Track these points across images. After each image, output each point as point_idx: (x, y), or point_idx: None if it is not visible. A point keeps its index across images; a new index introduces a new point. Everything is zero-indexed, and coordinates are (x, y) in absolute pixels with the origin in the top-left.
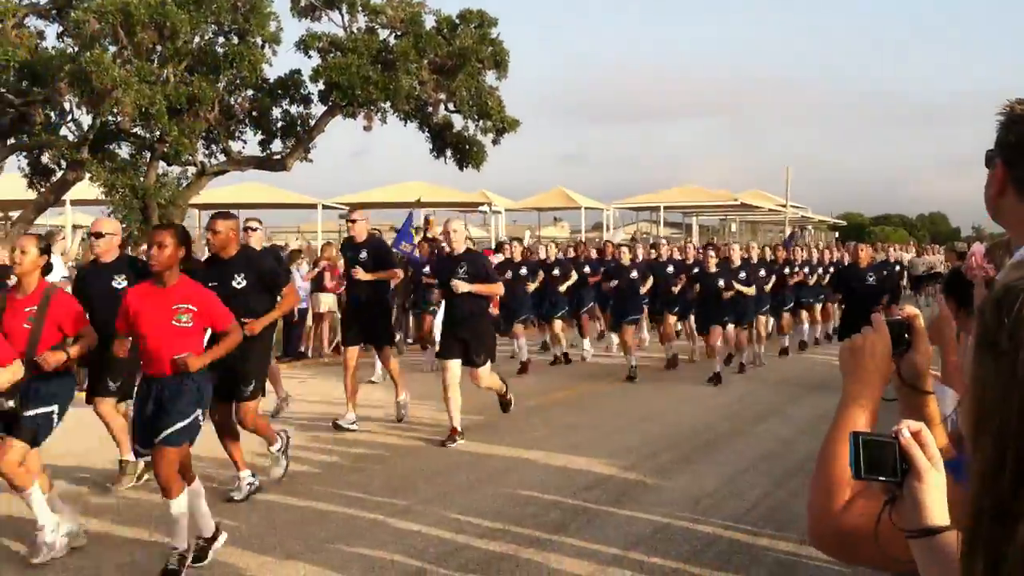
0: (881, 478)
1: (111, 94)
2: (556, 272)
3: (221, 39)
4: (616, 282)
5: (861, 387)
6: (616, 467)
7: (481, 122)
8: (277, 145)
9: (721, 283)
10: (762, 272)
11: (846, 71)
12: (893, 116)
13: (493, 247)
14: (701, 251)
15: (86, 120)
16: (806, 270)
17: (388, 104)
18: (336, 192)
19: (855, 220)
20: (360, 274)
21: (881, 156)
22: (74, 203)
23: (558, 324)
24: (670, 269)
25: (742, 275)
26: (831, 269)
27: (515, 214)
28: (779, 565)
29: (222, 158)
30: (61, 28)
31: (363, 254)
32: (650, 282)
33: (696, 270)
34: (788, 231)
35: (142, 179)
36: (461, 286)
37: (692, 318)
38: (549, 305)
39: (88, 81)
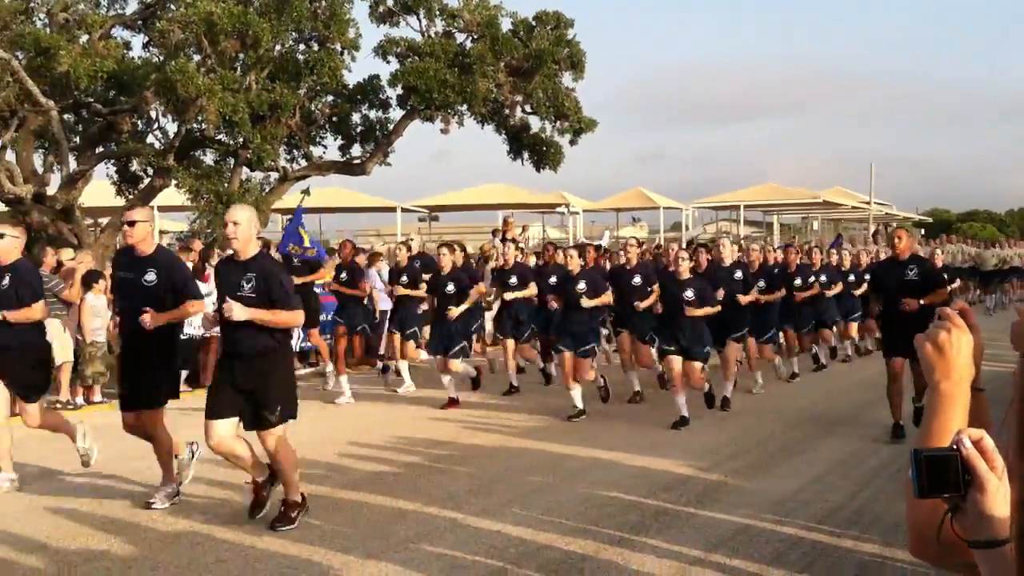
0: (945, 495)
1: (196, 102)
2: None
3: (302, 46)
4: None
5: (951, 386)
6: (695, 468)
7: (558, 123)
8: (357, 149)
9: (688, 294)
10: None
11: (929, 63)
12: (980, 108)
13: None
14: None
15: (172, 128)
16: (823, 278)
17: (465, 107)
18: (416, 195)
19: (941, 216)
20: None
21: (968, 150)
22: (161, 209)
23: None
24: (636, 280)
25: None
26: (866, 276)
27: (593, 215)
28: (863, 568)
29: (303, 163)
30: (147, 38)
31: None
32: (606, 297)
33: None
34: (872, 228)
35: (226, 185)
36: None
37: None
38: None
39: (173, 90)
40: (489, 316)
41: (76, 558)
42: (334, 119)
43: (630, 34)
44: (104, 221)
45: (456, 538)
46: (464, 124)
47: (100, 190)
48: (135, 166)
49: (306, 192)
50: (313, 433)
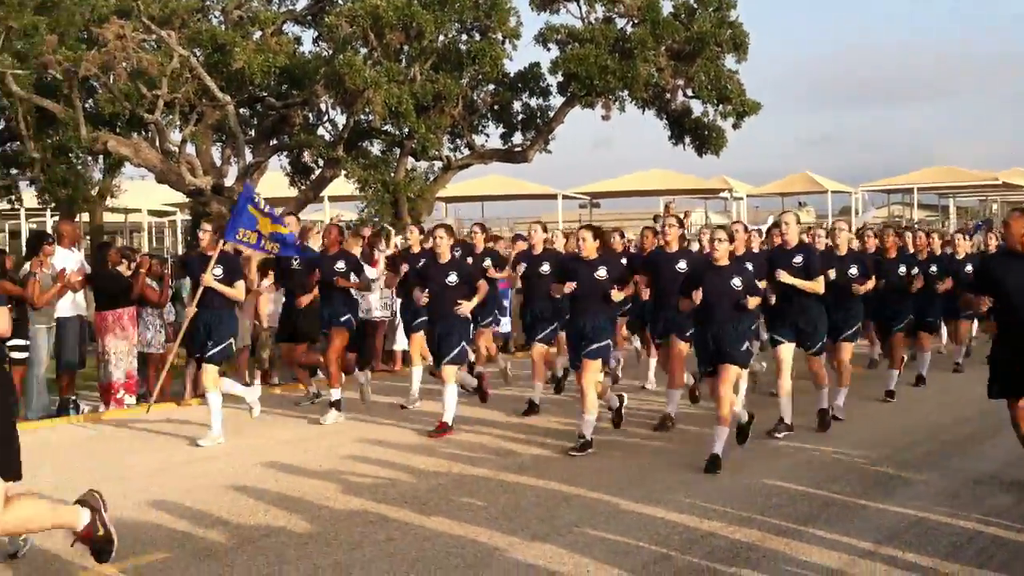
0: None
1: (363, 94)
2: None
3: (464, 37)
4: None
5: None
6: (865, 459)
7: (721, 107)
8: (518, 137)
9: (736, 282)
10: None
11: None
12: None
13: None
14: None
15: (340, 120)
16: (932, 268)
17: (626, 92)
18: (577, 182)
19: None
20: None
21: None
22: (331, 199)
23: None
24: (681, 265)
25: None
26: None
27: (757, 200)
28: None
29: (466, 152)
30: (316, 33)
31: (451, 276)
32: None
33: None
34: None
35: (392, 174)
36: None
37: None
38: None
39: (342, 83)
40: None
41: (255, 533)
42: (496, 107)
43: (796, 13)
44: (277, 211)
45: (619, 524)
46: (625, 110)
47: (274, 181)
48: (306, 157)
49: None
50: (485, 414)
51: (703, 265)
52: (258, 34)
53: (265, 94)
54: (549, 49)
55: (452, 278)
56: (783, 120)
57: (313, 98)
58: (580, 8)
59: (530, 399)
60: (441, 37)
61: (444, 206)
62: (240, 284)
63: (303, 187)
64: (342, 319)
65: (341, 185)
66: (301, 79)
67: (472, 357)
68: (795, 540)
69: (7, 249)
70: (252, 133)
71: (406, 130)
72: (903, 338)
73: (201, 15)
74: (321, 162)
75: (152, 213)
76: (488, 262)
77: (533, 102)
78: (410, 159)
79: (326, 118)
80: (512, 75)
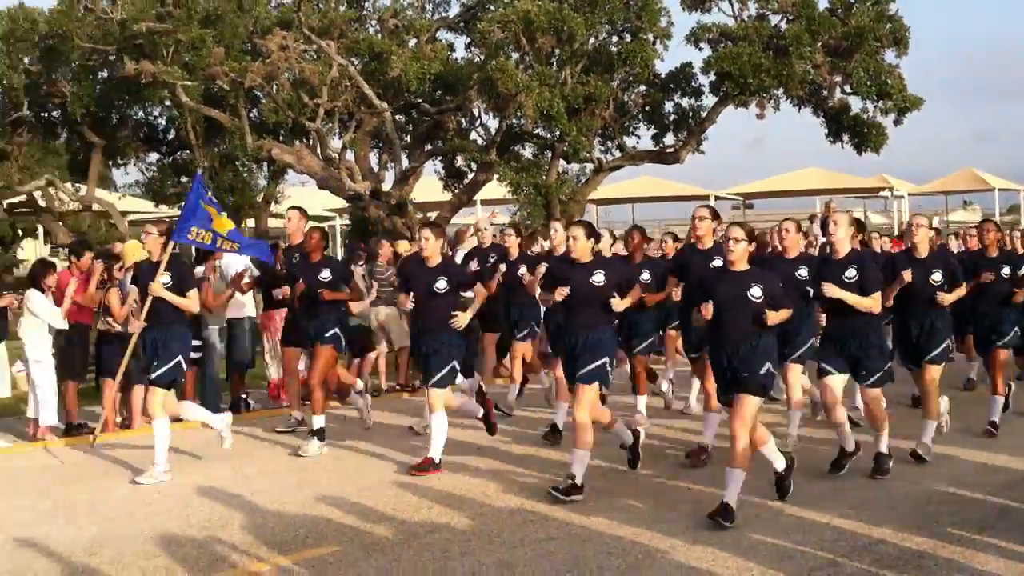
0: None
1: (515, 98)
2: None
3: (615, 38)
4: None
5: None
6: None
7: (880, 103)
8: (670, 138)
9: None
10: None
11: None
12: None
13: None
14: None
15: (493, 124)
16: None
17: (781, 91)
18: (730, 182)
19: None
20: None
21: None
22: (483, 202)
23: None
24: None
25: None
26: None
27: (919, 198)
28: None
29: (617, 154)
30: (469, 39)
31: (440, 282)
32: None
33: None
34: None
35: (544, 177)
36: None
37: None
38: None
39: (494, 87)
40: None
41: (419, 529)
42: (647, 109)
43: (960, 4)
44: (433, 215)
45: (782, 527)
46: (780, 108)
47: (429, 185)
48: (460, 161)
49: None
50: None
51: (715, 271)
52: (413, 42)
53: (420, 100)
54: (701, 48)
55: (441, 284)
56: (947, 115)
57: (466, 103)
58: (732, 6)
59: (553, 423)
60: (592, 39)
61: (595, 208)
62: (193, 294)
63: (456, 191)
64: (327, 335)
65: (494, 188)
66: (454, 85)
67: (479, 378)
68: (970, 548)
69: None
70: (408, 139)
71: (557, 133)
72: (1007, 357)
73: (358, 25)
74: (474, 166)
75: (312, 218)
76: (523, 269)
77: (685, 102)
78: (561, 162)
79: (479, 123)
80: (663, 76)
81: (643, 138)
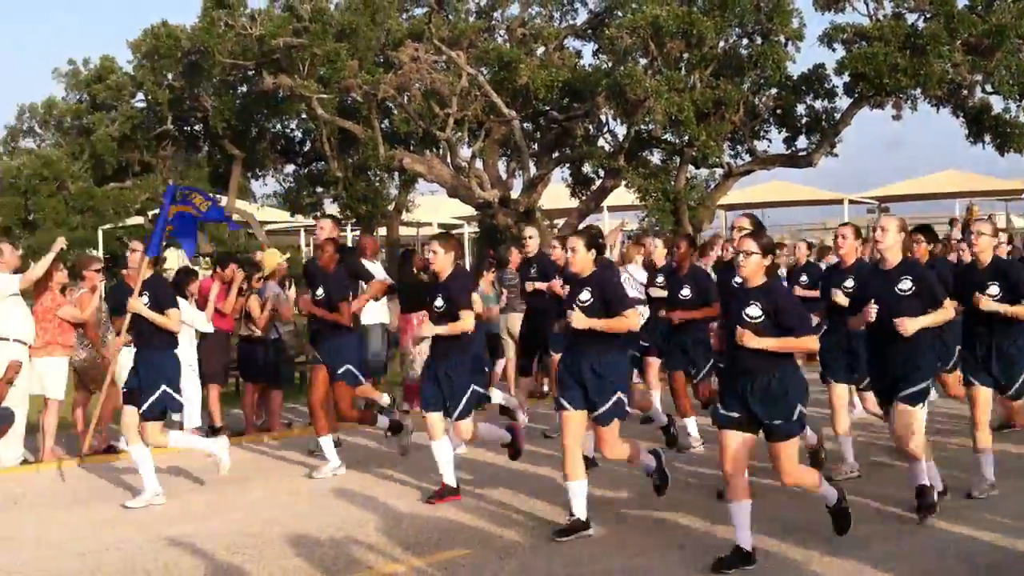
0: None
1: (643, 104)
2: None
3: (745, 41)
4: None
5: None
6: None
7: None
8: (802, 141)
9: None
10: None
11: None
12: None
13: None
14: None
15: (621, 130)
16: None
17: (918, 91)
18: (865, 186)
19: None
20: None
21: None
22: (611, 209)
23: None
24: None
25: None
26: None
27: None
28: None
29: (748, 158)
30: (596, 46)
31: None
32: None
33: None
34: None
35: (673, 183)
36: None
37: None
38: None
39: (622, 93)
40: None
41: (550, 534)
42: (778, 112)
43: None
44: (560, 222)
45: (921, 542)
46: (917, 109)
47: (556, 192)
48: (587, 168)
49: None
50: None
51: (734, 289)
52: (541, 50)
53: (548, 108)
54: (834, 49)
55: (439, 303)
56: None
57: (594, 110)
58: (867, 5)
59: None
60: (721, 43)
61: (724, 214)
62: (173, 312)
63: (584, 197)
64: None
65: (622, 195)
66: (582, 92)
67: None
68: None
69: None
70: (535, 146)
71: (686, 138)
72: None
73: (487, 34)
74: (602, 173)
75: (442, 226)
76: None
77: (818, 104)
78: (690, 167)
79: (606, 129)
80: (795, 78)
81: (774, 142)
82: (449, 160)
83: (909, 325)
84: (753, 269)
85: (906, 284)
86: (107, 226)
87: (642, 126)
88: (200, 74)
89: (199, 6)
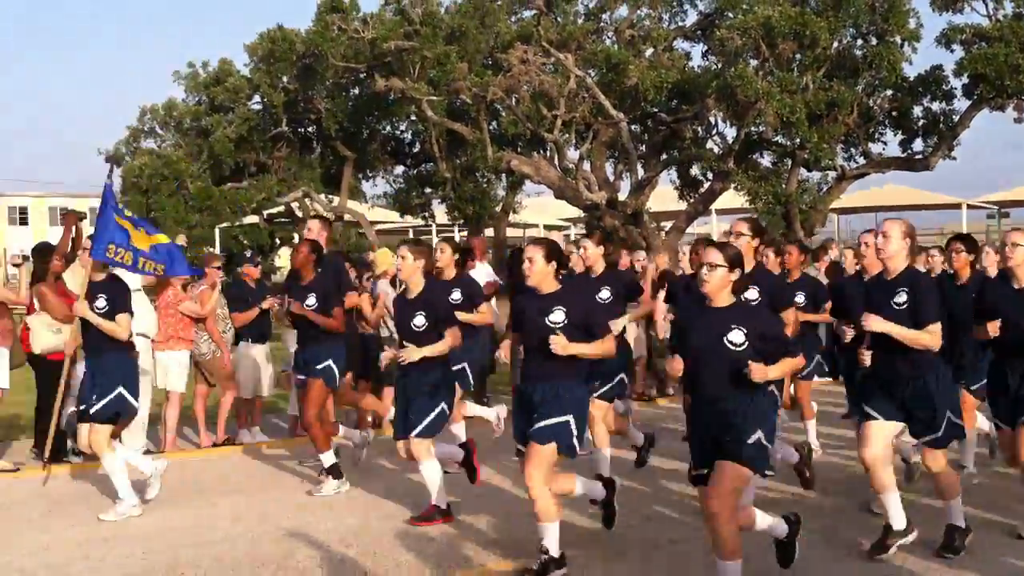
0: None
1: (754, 106)
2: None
3: (859, 42)
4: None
5: None
6: None
7: None
8: (918, 144)
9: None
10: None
11: None
12: None
13: None
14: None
15: (730, 132)
16: None
17: None
18: (985, 190)
19: None
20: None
21: None
22: (719, 212)
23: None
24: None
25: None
26: None
27: None
28: None
29: (861, 161)
30: (706, 47)
31: (419, 318)
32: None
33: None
34: None
35: (784, 186)
36: None
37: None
38: None
39: (733, 95)
40: None
41: (662, 539)
42: (893, 114)
43: None
44: (667, 225)
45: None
46: None
47: (664, 195)
48: (695, 171)
49: (111, 159)
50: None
51: (697, 308)
52: (650, 51)
53: (656, 110)
54: (953, 50)
55: (419, 320)
56: None
57: (703, 112)
58: (987, 6)
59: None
60: (835, 44)
61: (837, 218)
62: (122, 318)
63: (692, 200)
64: (319, 366)
65: (731, 198)
66: (691, 93)
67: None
68: None
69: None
70: (643, 148)
71: (798, 140)
72: None
73: (596, 36)
74: (710, 175)
75: (547, 228)
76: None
77: (935, 106)
78: (802, 170)
79: (715, 131)
80: (912, 79)
81: (890, 144)
82: (556, 162)
83: (877, 325)
84: (717, 284)
85: (902, 297)
86: (224, 224)
87: (752, 128)
88: (314, 77)
89: (313, 11)
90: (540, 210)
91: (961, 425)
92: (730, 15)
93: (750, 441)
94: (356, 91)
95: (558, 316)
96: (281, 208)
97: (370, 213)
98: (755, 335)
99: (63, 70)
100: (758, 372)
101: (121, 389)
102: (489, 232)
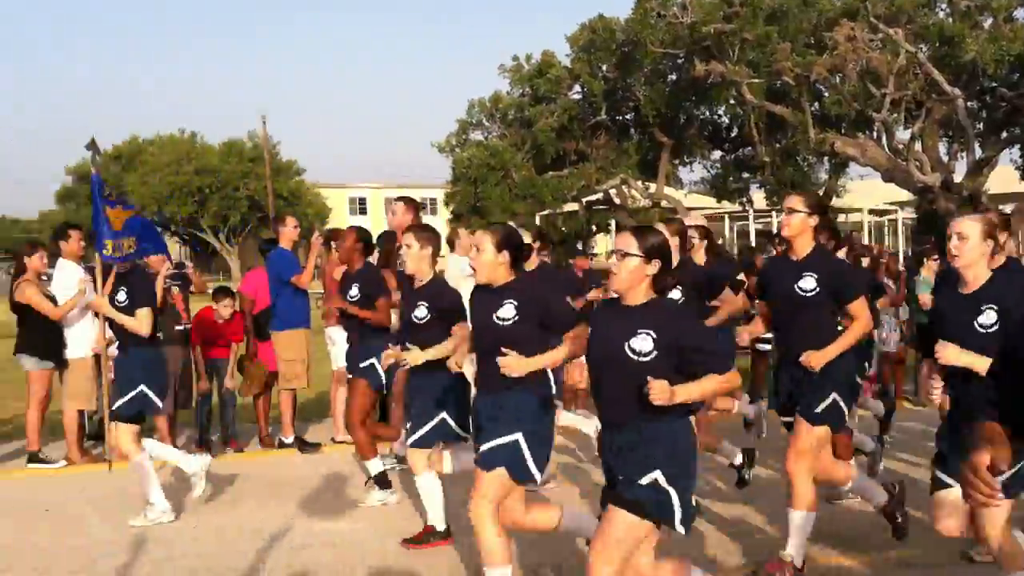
0: None
1: None
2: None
3: None
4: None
5: None
6: None
7: None
8: None
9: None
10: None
11: None
12: None
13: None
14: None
15: None
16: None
17: None
18: None
19: None
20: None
21: None
22: None
23: None
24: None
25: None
26: None
27: None
28: None
29: None
30: None
31: (421, 310)
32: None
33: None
34: None
35: None
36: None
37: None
38: None
39: None
40: None
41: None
42: None
43: None
44: (1008, 208)
45: None
46: None
47: (1005, 175)
48: None
49: (91, 146)
50: None
51: (604, 310)
52: (989, 22)
53: (996, 85)
54: None
55: (421, 312)
56: None
57: None
58: None
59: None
60: None
61: None
62: (142, 313)
63: None
64: (363, 364)
65: None
66: None
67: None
68: None
69: (737, 248)
70: (981, 126)
71: None
72: None
73: (927, 9)
74: None
75: (872, 212)
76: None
77: None
78: None
79: None
80: None
81: None
82: (885, 142)
83: (950, 356)
84: (628, 279)
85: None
86: (545, 212)
87: None
88: (632, 64)
89: None
90: (867, 193)
91: None
92: None
93: (643, 482)
94: (674, 77)
95: (507, 311)
96: (599, 195)
97: (687, 199)
98: (666, 344)
99: (398, 70)
100: (659, 392)
101: (143, 387)
102: None
